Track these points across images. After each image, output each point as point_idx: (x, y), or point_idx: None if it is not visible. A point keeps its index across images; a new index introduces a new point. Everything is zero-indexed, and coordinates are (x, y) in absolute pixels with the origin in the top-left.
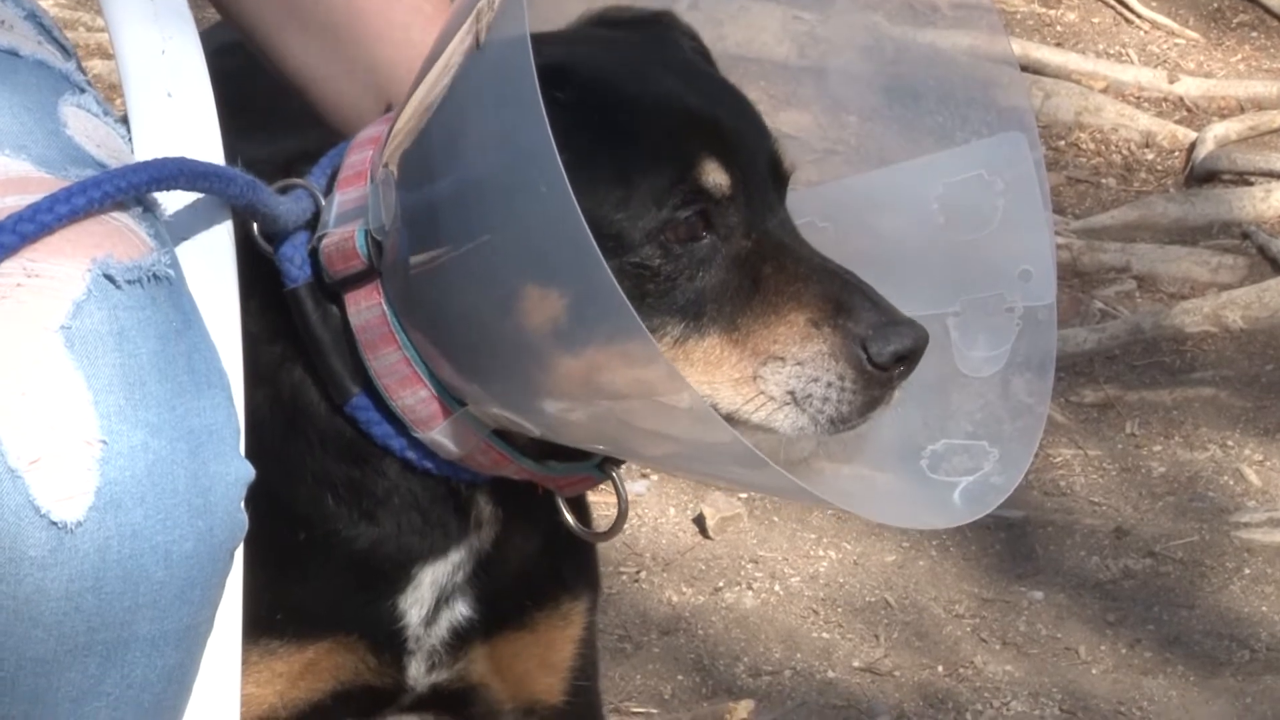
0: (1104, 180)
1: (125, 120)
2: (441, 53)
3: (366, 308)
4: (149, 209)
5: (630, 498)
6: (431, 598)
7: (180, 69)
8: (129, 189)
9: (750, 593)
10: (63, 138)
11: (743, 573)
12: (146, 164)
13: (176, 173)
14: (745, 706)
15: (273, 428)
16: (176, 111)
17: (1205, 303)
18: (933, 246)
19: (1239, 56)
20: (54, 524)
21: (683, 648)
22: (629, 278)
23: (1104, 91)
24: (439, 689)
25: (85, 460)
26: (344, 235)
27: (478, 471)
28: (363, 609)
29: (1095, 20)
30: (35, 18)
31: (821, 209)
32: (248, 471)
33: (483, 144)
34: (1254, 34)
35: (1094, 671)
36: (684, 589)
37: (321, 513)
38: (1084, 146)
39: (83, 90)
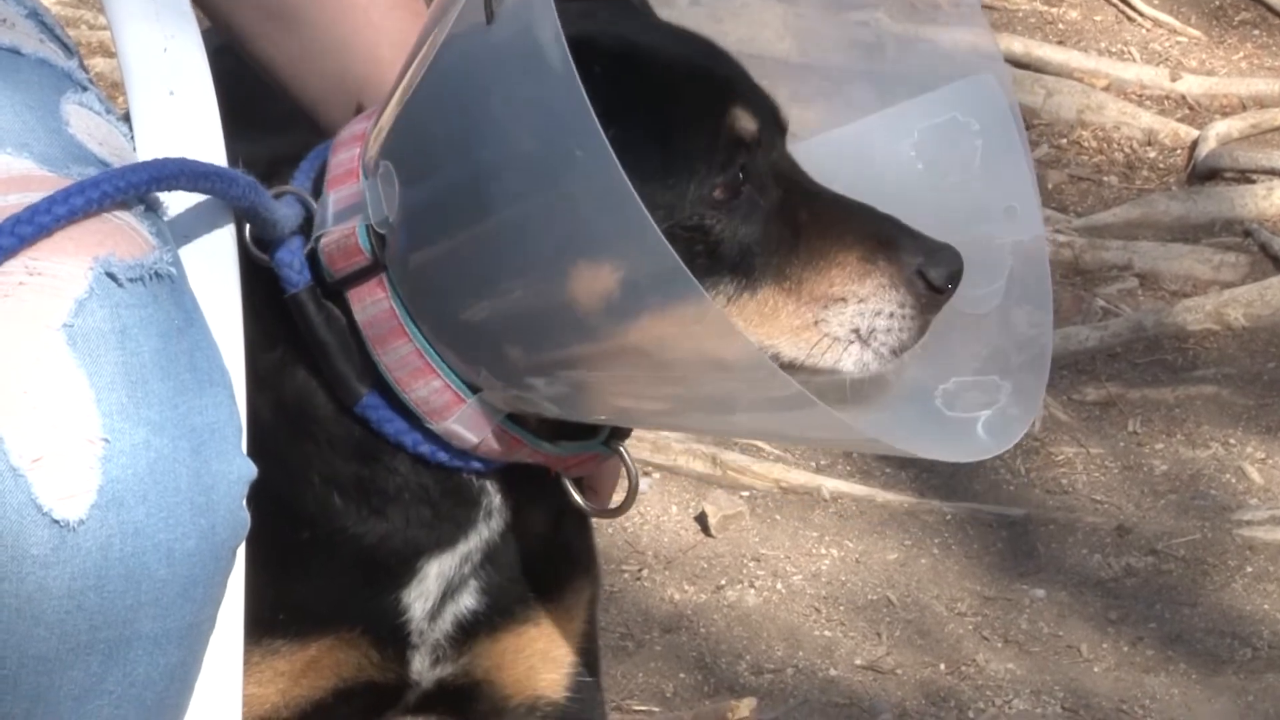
0: (1106, 178)
1: (127, 118)
2: (427, 40)
3: (372, 303)
4: (151, 207)
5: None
6: (437, 590)
7: (182, 67)
8: (128, 189)
9: (752, 591)
10: (65, 136)
11: (745, 571)
12: (146, 164)
13: (177, 173)
14: (747, 705)
15: (276, 432)
16: (179, 110)
17: (1207, 301)
18: (914, 192)
19: (1241, 54)
20: (56, 522)
21: (685, 646)
22: (679, 242)
23: (1106, 89)
24: (444, 685)
25: (87, 458)
26: (344, 232)
27: (490, 459)
28: (366, 604)
29: (1097, 18)
30: (37, 15)
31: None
32: (250, 469)
33: (510, 122)
34: (1256, 32)
35: (1096, 669)
36: (686, 587)
37: (327, 511)
38: (1086, 144)
39: (85, 88)
